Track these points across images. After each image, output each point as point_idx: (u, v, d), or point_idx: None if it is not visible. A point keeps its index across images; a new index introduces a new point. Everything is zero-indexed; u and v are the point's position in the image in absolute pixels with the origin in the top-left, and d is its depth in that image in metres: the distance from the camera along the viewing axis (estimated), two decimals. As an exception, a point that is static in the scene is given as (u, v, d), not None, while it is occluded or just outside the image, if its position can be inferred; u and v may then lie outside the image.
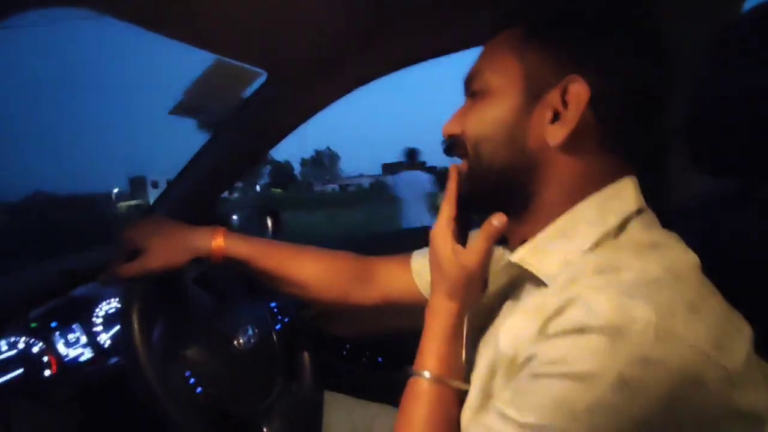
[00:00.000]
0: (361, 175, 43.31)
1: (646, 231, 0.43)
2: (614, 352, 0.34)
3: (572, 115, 0.43)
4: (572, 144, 0.44)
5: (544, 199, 0.46)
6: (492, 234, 0.49)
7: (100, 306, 0.85)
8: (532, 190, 0.47)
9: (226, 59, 0.73)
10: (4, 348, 0.69)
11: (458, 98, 0.54)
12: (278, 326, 0.87)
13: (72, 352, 0.77)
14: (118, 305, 0.86)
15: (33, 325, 0.73)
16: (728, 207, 0.56)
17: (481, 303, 0.52)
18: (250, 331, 0.75)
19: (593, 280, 0.39)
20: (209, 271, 0.89)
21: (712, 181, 0.56)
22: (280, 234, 1.19)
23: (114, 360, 0.81)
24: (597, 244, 0.42)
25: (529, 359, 0.38)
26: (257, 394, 0.73)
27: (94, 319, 0.83)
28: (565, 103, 0.43)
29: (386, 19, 0.72)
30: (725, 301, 0.39)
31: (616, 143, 0.45)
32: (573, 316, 0.36)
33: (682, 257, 0.40)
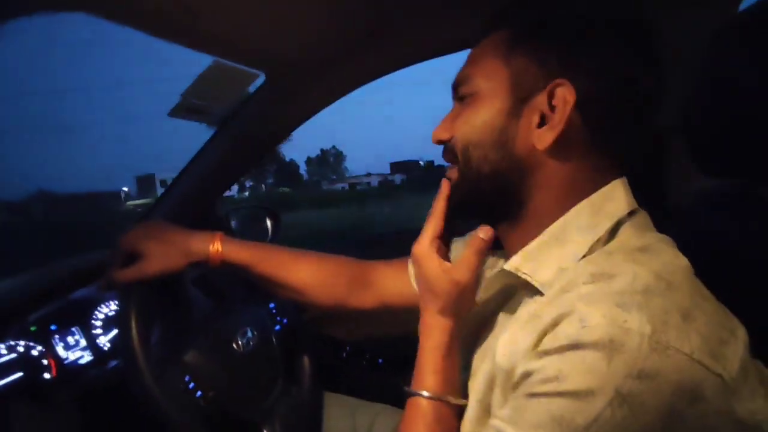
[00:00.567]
0: (369, 174, 43.18)
1: (638, 234, 0.43)
2: (610, 368, 0.34)
3: (559, 118, 0.43)
4: (561, 147, 0.44)
5: (535, 205, 0.47)
6: (481, 248, 0.49)
7: (99, 309, 0.85)
8: (522, 195, 0.47)
9: (224, 61, 0.73)
10: (4, 351, 0.69)
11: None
12: (277, 327, 0.87)
13: (71, 355, 0.77)
14: (117, 308, 0.86)
15: (32, 328, 0.73)
16: (726, 207, 0.56)
17: (476, 311, 0.52)
18: (249, 334, 0.75)
19: (587, 289, 0.38)
20: (208, 273, 0.89)
21: (709, 181, 0.56)
22: (279, 235, 1.19)
23: (113, 363, 0.81)
24: (591, 250, 0.43)
25: (526, 376, 0.38)
26: (257, 397, 0.73)
27: (93, 322, 0.83)
28: (552, 107, 0.43)
29: (384, 19, 0.72)
30: (719, 303, 0.39)
31: (605, 145, 0.45)
32: (567, 331, 0.36)
33: (673, 261, 0.40)
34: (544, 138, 0.44)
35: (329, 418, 0.90)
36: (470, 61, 0.49)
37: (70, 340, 0.78)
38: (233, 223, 1.15)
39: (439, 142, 0.51)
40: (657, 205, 0.49)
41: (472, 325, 0.53)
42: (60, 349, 0.76)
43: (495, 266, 0.57)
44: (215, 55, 0.72)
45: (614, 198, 0.45)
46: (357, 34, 0.75)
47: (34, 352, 0.72)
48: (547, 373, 0.36)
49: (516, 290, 0.47)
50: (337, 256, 0.76)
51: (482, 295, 0.50)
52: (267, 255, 0.69)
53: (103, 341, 0.83)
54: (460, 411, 0.49)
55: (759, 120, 0.43)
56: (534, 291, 0.44)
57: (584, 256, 0.43)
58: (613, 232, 0.43)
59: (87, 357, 0.79)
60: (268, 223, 1.18)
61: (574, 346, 0.35)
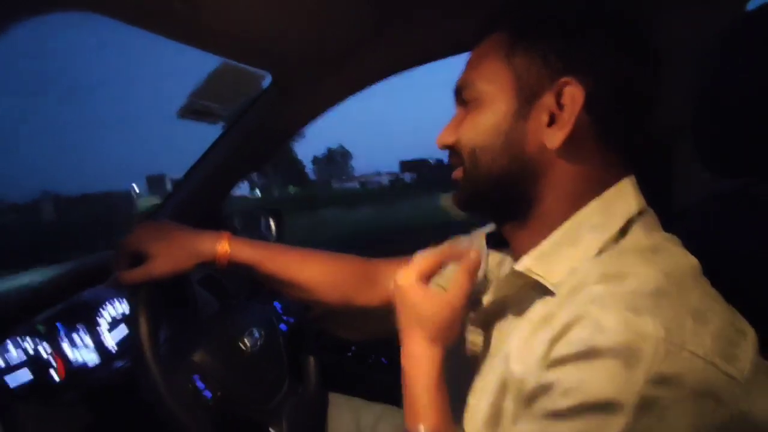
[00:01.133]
0: (378, 173, 42.68)
1: (647, 234, 0.43)
2: (630, 375, 0.33)
3: (568, 116, 0.43)
4: (570, 146, 0.44)
5: (546, 204, 0.46)
6: (472, 269, 0.49)
7: (105, 309, 0.85)
8: (533, 195, 0.46)
9: (232, 62, 0.73)
10: (13, 351, 0.69)
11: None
12: (283, 326, 0.87)
13: (78, 355, 0.77)
14: (123, 308, 0.87)
15: (40, 328, 0.73)
16: (732, 206, 0.56)
17: (485, 311, 0.51)
18: (256, 334, 0.76)
19: (598, 289, 0.38)
20: (213, 273, 0.90)
21: (715, 181, 0.56)
22: (284, 235, 1.19)
23: (119, 363, 0.81)
24: (602, 249, 0.43)
25: (545, 390, 0.37)
26: (264, 396, 0.74)
27: (99, 322, 0.83)
28: (560, 106, 0.43)
29: (390, 21, 0.72)
30: (727, 304, 0.39)
31: (614, 143, 0.45)
32: (581, 336, 0.36)
33: (683, 261, 0.41)
34: (555, 137, 0.43)
35: (333, 418, 0.90)
36: (471, 65, 0.49)
37: (77, 340, 0.78)
38: (237, 224, 1.15)
39: (445, 146, 0.51)
40: (663, 205, 0.49)
41: (482, 326, 0.52)
42: (67, 349, 0.76)
43: (502, 265, 0.57)
44: (222, 55, 0.72)
45: (624, 196, 0.45)
46: (363, 34, 0.75)
47: (42, 352, 0.72)
48: (566, 385, 0.35)
49: (527, 291, 0.47)
50: (343, 255, 0.76)
51: (493, 296, 0.50)
52: (274, 254, 0.69)
53: (109, 341, 0.83)
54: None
55: (766, 119, 0.44)
56: (545, 291, 0.44)
57: (597, 256, 0.42)
58: (623, 231, 0.43)
59: (93, 357, 0.79)
60: (272, 223, 1.19)
61: (590, 353, 0.35)
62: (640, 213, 0.44)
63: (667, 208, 0.49)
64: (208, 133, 0.97)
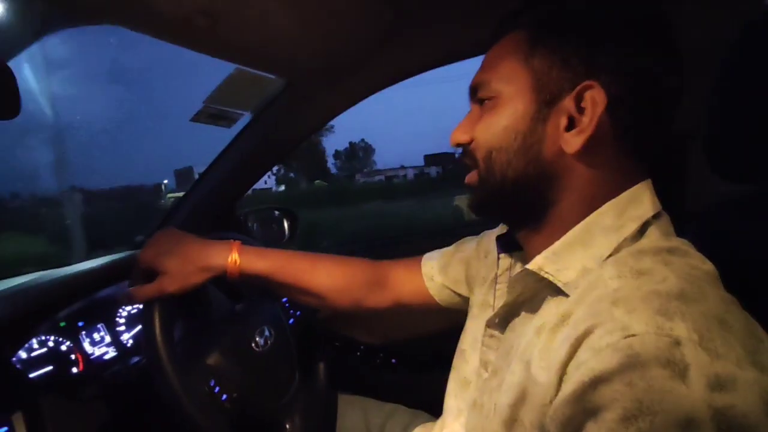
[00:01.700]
0: (403, 167, 41.89)
1: (664, 237, 0.42)
2: (688, 385, 0.30)
3: (588, 121, 0.41)
4: (589, 150, 0.42)
5: (561, 207, 0.45)
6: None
7: (123, 307, 0.88)
8: (548, 199, 0.45)
9: (246, 68, 0.75)
10: (36, 346, 0.72)
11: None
12: (291, 321, 0.88)
13: (97, 351, 0.80)
14: (139, 306, 0.89)
15: (62, 324, 0.76)
16: (744, 211, 0.55)
17: (499, 313, 0.51)
18: (267, 332, 0.77)
19: (614, 284, 0.37)
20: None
21: (728, 186, 0.55)
22: (297, 235, 1.20)
23: (136, 359, 0.84)
24: (617, 251, 0.42)
25: (590, 414, 0.32)
26: (277, 393, 0.75)
27: (117, 319, 0.86)
28: (580, 109, 0.42)
29: (403, 26, 0.73)
30: (744, 310, 0.37)
31: (633, 146, 0.44)
32: (609, 341, 0.33)
33: (701, 266, 0.39)
34: (574, 142, 0.42)
35: (343, 418, 0.90)
36: (488, 64, 0.48)
37: (96, 336, 0.81)
38: (251, 224, 1.17)
39: (458, 145, 0.50)
40: (676, 209, 0.48)
41: (496, 327, 0.52)
42: (86, 345, 0.79)
43: (513, 267, 0.56)
44: (237, 62, 0.74)
45: (640, 200, 0.44)
46: (377, 39, 0.76)
47: (63, 348, 0.75)
48: (624, 409, 0.31)
49: (539, 290, 0.46)
50: (352, 258, 0.77)
51: (505, 297, 0.49)
52: (284, 263, 0.69)
53: (126, 338, 0.86)
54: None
55: None
56: (558, 291, 0.43)
57: (611, 257, 0.41)
58: (640, 233, 0.42)
59: (111, 353, 0.82)
60: (285, 223, 1.20)
61: (631, 365, 0.31)
62: (656, 216, 0.43)
63: (679, 213, 0.48)
64: (237, 127, 0.97)
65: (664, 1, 0.44)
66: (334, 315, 1.11)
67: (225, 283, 0.80)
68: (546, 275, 0.43)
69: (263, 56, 0.73)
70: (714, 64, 0.52)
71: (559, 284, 0.43)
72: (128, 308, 0.88)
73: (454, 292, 0.72)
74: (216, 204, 1.07)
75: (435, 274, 0.73)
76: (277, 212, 1.21)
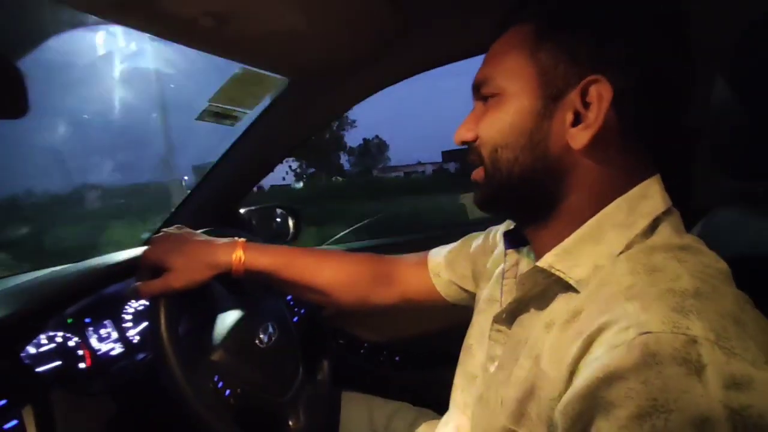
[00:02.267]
0: (420, 163, 41.33)
1: (676, 233, 0.42)
2: (704, 384, 0.30)
3: (595, 116, 0.41)
4: (596, 146, 0.42)
5: (569, 204, 0.45)
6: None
7: (129, 303, 0.88)
8: (556, 195, 0.45)
9: (250, 67, 0.75)
10: (44, 341, 0.73)
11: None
12: (295, 318, 0.88)
13: (104, 347, 0.81)
14: (146, 302, 0.90)
15: (69, 320, 0.77)
16: (752, 210, 0.55)
17: (507, 310, 0.50)
18: (271, 329, 0.77)
19: (627, 281, 0.37)
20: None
21: (734, 183, 0.55)
22: (300, 233, 1.21)
23: (142, 355, 0.84)
24: (628, 247, 0.41)
25: (602, 408, 0.32)
26: (281, 389, 0.75)
27: (124, 315, 0.87)
28: (585, 104, 0.41)
29: (408, 23, 0.73)
30: (756, 309, 0.37)
31: (641, 141, 0.43)
32: (624, 338, 0.33)
33: (714, 265, 0.39)
34: (580, 138, 0.42)
35: (347, 415, 0.90)
36: (491, 59, 0.47)
37: (103, 332, 0.82)
38: (255, 222, 1.17)
39: (463, 143, 0.50)
40: (683, 207, 0.48)
41: (503, 323, 0.52)
42: (94, 341, 0.79)
43: (519, 263, 0.56)
44: (242, 62, 0.74)
45: (650, 196, 0.43)
46: (381, 39, 0.76)
47: (71, 343, 0.76)
48: (638, 407, 0.30)
49: (549, 287, 0.45)
50: (358, 254, 0.76)
51: (513, 293, 0.49)
52: (289, 260, 0.69)
53: (133, 334, 0.86)
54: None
55: None
56: (568, 288, 0.43)
57: (623, 253, 0.41)
58: (651, 229, 0.42)
59: (118, 348, 0.82)
60: (290, 221, 1.20)
61: (647, 362, 0.31)
62: (666, 212, 0.43)
63: (686, 210, 0.48)
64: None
65: None
66: (339, 312, 1.11)
67: (230, 280, 0.81)
68: (557, 273, 0.43)
69: (267, 56, 0.73)
70: (722, 60, 0.51)
71: (571, 281, 0.42)
72: (135, 305, 0.89)
73: (461, 287, 0.72)
74: (220, 202, 1.07)
75: (442, 270, 0.73)
76: (279, 210, 1.21)
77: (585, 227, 0.43)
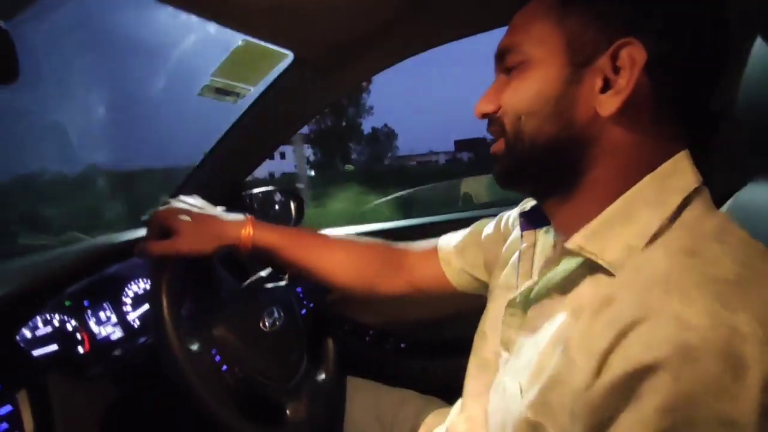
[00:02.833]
0: (431, 152, 40.72)
1: (710, 212, 0.40)
2: (741, 386, 0.29)
3: (625, 82, 0.39)
4: (626, 114, 0.40)
5: (595, 177, 0.42)
6: None
7: (129, 286, 0.86)
8: (581, 166, 0.42)
9: (254, 39, 0.72)
10: (41, 324, 0.71)
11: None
12: (303, 311, 0.87)
13: (103, 330, 0.79)
14: (147, 286, 0.88)
15: (67, 302, 0.75)
16: None
17: (530, 292, 0.47)
18: (276, 314, 0.76)
19: (670, 271, 0.35)
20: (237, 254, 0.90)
21: (756, 162, 0.52)
22: (302, 218, 1.19)
23: (142, 339, 0.83)
24: (662, 227, 0.39)
25: (629, 400, 0.31)
26: (282, 376, 0.74)
27: (123, 298, 0.85)
28: (616, 69, 0.39)
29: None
30: None
31: (674, 112, 0.41)
32: (666, 334, 0.31)
33: (753, 245, 0.37)
34: (609, 104, 0.39)
35: (353, 402, 0.90)
36: (516, 27, 0.45)
37: (102, 315, 0.80)
38: (256, 206, 1.15)
39: (484, 115, 0.48)
40: (709, 184, 0.46)
41: (521, 307, 0.49)
42: (92, 324, 0.77)
43: (538, 244, 0.54)
44: (245, 33, 0.71)
45: (681, 171, 0.41)
46: (387, 13, 0.73)
47: (69, 327, 0.74)
48: (665, 398, 0.30)
49: (575, 270, 0.42)
50: (368, 240, 0.76)
51: (534, 276, 0.47)
52: (298, 239, 0.69)
53: (133, 317, 0.85)
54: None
55: None
56: (597, 270, 0.40)
57: (657, 235, 0.38)
58: (683, 207, 0.39)
59: (117, 333, 0.81)
60: (292, 206, 1.18)
61: (684, 359, 0.30)
62: (697, 190, 0.40)
63: (712, 188, 0.46)
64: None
65: None
66: (344, 297, 1.09)
67: (235, 262, 0.79)
68: (589, 255, 0.40)
69: (269, 26, 0.70)
70: (753, 37, 0.49)
71: (604, 264, 0.39)
72: (135, 287, 0.87)
73: (473, 276, 0.70)
74: (222, 183, 1.05)
75: (452, 258, 0.72)
76: (280, 194, 1.19)
77: (614, 206, 0.41)
